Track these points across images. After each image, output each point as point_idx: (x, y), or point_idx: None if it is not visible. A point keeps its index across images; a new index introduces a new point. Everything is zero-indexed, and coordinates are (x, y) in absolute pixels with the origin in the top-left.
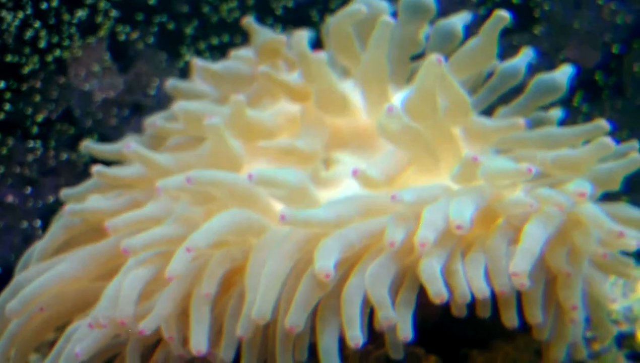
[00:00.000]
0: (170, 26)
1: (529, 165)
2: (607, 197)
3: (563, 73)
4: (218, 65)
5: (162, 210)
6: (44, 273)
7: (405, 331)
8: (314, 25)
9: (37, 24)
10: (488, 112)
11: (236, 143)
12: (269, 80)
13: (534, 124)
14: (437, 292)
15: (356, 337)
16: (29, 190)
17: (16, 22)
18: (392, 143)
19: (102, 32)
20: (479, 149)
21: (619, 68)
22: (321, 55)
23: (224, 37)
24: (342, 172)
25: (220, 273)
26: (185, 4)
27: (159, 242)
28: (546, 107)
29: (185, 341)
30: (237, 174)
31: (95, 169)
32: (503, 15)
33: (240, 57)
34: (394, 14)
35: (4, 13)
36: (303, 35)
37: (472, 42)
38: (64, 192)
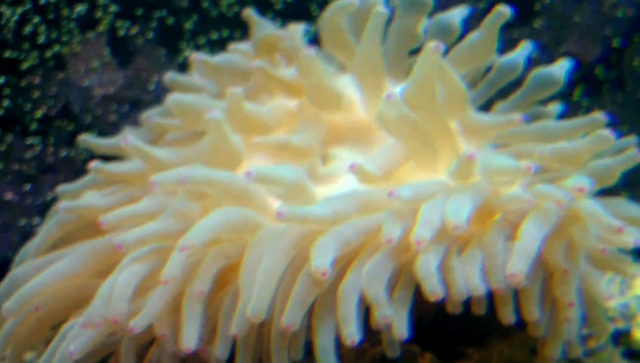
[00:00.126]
0: (170, 21)
1: (528, 163)
2: (607, 192)
3: (561, 67)
4: (216, 58)
5: (157, 205)
6: (40, 270)
7: (400, 329)
8: (314, 19)
9: (36, 19)
10: (487, 106)
11: (236, 138)
12: (264, 75)
13: (533, 118)
14: (433, 290)
15: (352, 335)
16: (27, 187)
17: (15, 17)
18: (390, 132)
19: (102, 27)
20: (477, 144)
21: (620, 62)
22: (311, 50)
23: (223, 32)
24: (340, 167)
25: (214, 270)
26: None
27: (153, 237)
28: (545, 101)
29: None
30: (237, 169)
31: (92, 164)
32: (504, 11)
33: (239, 51)
34: (392, 11)
35: (3, 8)
36: (296, 29)
37: (472, 36)
38: (60, 188)
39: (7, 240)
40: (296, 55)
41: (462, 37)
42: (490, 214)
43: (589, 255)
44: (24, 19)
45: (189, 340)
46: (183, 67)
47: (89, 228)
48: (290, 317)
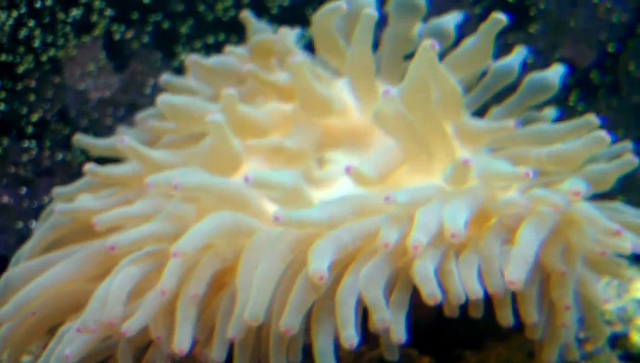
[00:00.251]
0: (166, 25)
1: (526, 169)
2: (603, 197)
3: (555, 72)
4: (211, 60)
5: (152, 207)
6: (33, 272)
7: (398, 333)
8: (310, 24)
9: (31, 23)
10: (482, 110)
11: (236, 141)
12: (256, 79)
13: (528, 123)
14: (431, 293)
15: (350, 338)
16: (24, 190)
17: (10, 21)
18: (386, 131)
19: (97, 31)
20: (472, 149)
21: (615, 67)
22: (300, 56)
23: (219, 36)
24: (336, 171)
25: (210, 273)
26: (180, 3)
27: (147, 239)
28: (541, 106)
29: None
30: (235, 171)
31: (87, 167)
32: (500, 18)
33: (235, 54)
34: (384, 15)
35: None
36: (288, 34)
37: (468, 42)
38: (56, 191)
39: (3, 242)
40: (286, 61)
41: (456, 42)
42: (487, 218)
43: (586, 259)
44: (19, 23)
45: (182, 342)
46: (179, 71)
47: (84, 230)
48: (289, 321)
